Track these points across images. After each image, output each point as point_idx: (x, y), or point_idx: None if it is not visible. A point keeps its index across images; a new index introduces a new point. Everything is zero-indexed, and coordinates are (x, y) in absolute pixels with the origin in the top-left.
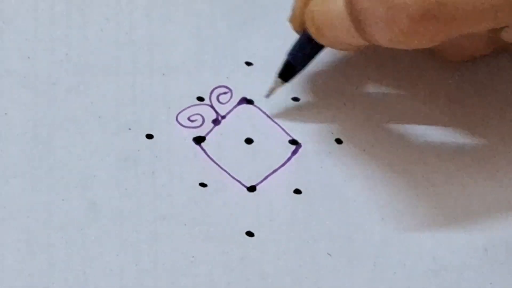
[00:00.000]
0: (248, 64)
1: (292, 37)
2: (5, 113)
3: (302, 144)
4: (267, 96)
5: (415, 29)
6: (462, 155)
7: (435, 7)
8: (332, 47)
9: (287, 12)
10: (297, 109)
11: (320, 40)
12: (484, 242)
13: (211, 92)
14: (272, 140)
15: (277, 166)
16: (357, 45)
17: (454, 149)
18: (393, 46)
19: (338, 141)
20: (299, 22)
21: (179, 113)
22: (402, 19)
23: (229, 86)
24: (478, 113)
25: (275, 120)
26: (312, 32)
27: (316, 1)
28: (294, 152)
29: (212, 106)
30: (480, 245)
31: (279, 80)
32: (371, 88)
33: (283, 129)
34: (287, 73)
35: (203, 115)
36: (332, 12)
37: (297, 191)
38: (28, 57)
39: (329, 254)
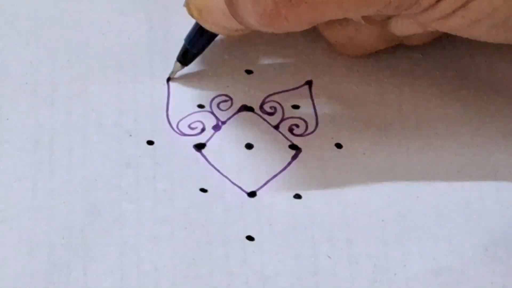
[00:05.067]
0: (248, 72)
1: (292, 40)
2: (7, 118)
3: (302, 149)
4: (168, 79)
5: (278, 12)
6: (461, 157)
7: None
8: (216, 32)
9: None
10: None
11: (204, 25)
12: (485, 242)
13: (212, 100)
14: (272, 145)
15: (277, 171)
16: (238, 30)
17: (453, 150)
18: (265, 30)
19: (338, 145)
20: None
21: (180, 121)
22: (267, 1)
23: (229, 94)
24: (480, 114)
25: (275, 126)
26: (196, 17)
27: None
28: (294, 157)
29: (212, 113)
30: (480, 245)
31: (178, 64)
32: (370, 92)
33: (283, 134)
34: (185, 57)
35: (203, 122)
36: None
37: (297, 196)
38: (30, 62)
39: (329, 257)
